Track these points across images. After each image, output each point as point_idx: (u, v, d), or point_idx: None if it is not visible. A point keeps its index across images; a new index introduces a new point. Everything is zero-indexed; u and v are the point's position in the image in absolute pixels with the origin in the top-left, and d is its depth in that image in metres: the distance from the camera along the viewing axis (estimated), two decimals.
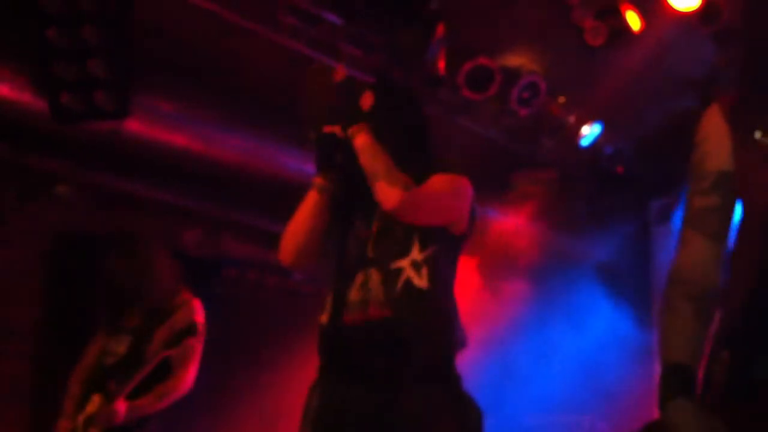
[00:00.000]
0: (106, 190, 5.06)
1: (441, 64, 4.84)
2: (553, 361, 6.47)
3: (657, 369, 1.89)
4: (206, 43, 4.62)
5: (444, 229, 2.61)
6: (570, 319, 6.42)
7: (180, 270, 4.12)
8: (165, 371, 3.82)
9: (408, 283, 2.51)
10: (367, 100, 2.71)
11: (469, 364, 2.68)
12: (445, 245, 2.61)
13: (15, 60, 4.16)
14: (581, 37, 4.94)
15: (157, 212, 5.25)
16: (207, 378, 4.05)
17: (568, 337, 6.41)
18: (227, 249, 5.85)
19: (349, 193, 2.60)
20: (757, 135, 1.82)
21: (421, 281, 2.52)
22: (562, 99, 5.76)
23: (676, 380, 1.80)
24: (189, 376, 3.89)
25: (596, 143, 6.07)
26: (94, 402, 3.73)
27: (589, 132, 5.97)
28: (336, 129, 2.55)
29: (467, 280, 6.14)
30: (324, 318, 2.57)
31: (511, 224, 6.29)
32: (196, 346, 3.92)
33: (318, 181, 2.64)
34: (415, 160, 2.63)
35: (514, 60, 5.33)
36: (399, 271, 2.53)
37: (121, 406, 3.67)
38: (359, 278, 2.55)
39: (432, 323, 2.52)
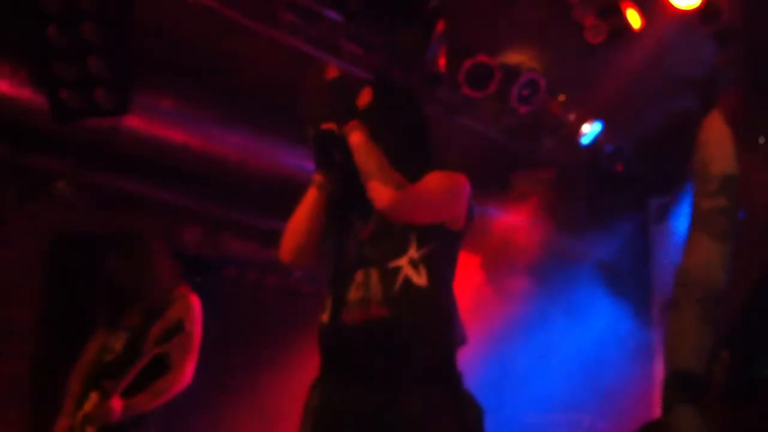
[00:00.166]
0: (106, 189, 5.05)
1: (441, 62, 4.84)
2: (553, 360, 6.47)
3: (657, 368, 1.89)
4: (206, 41, 4.62)
5: (441, 227, 2.60)
6: (570, 317, 6.42)
7: (179, 268, 4.12)
8: (162, 368, 3.81)
9: (407, 281, 2.51)
10: (365, 98, 2.71)
11: (469, 362, 2.68)
12: (443, 242, 2.61)
13: (14, 58, 4.15)
14: (581, 36, 4.93)
15: (157, 212, 5.25)
16: (206, 377, 4.05)
17: (567, 336, 6.41)
18: (227, 248, 5.84)
19: (348, 191, 2.59)
20: (761, 140, 1.83)
21: (420, 279, 2.51)
22: (562, 97, 5.76)
23: (681, 386, 1.80)
24: (186, 373, 3.87)
25: (596, 142, 6.07)
26: (92, 400, 3.72)
27: (590, 130, 5.97)
28: (334, 126, 2.54)
29: (468, 278, 6.14)
30: (324, 318, 2.57)
31: (512, 223, 6.29)
32: (193, 342, 3.90)
33: (317, 178, 2.63)
34: (414, 160, 2.62)
35: (514, 58, 5.33)
36: (397, 269, 2.52)
37: (116, 404, 3.65)
38: (358, 278, 2.54)
39: (431, 321, 2.52)
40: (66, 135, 4.43)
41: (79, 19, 3.96)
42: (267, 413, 5.89)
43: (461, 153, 3.07)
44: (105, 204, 5.17)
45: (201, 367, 3.95)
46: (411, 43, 4.63)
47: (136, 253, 4.04)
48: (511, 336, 6.38)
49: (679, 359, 1.83)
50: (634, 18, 4.88)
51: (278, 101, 4.85)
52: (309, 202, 2.63)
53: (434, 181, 2.58)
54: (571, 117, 5.88)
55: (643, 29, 4.90)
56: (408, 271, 2.52)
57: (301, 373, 2.99)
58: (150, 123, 4.58)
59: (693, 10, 4.67)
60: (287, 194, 2.72)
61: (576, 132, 5.94)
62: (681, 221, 5.71)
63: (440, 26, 4.66)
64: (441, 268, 2.58)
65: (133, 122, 4.48)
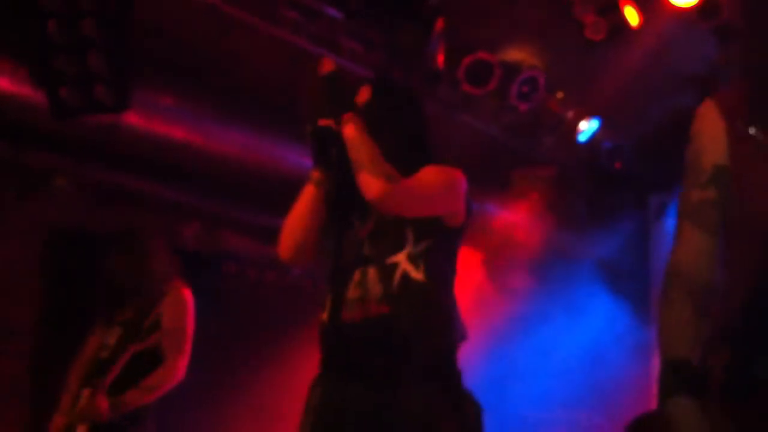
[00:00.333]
0: (106, 187, 5.05)
1: (440, 59, 4.84)
2: (552, 357, 6.47)
3: (656, 366, 1.88)
4: (205, 39, 4.62)
5: (439, 222, 2.59)
6: (569, 315, 6.42)
7: (178, 264, 4.10)
8: (154, 363, 3.76)
9: (405, 276, 2.50)
10: (363, 95, 2.70)
11: (468, 359, 2.68)
12: (442, 238, 2.59)
13: (14, 55, 4.15)
14: (581, 33, 4.93)
15: (157, 209, 5.24)
16: (206, 374, 4.04)
17: (567, 334, 6.41)
18: (226, 245, 5.84)
19: (346, 189, 2.56)
20: (752, 131, 1.82)
21: (418, 274, 2.50)
22: (560, 95, 5.76)
23: (676, 377, 1.79)
24: (177, 368, 3.80)
25: (595, 139, 6.07)
26: (84, 397, 3.68)
27: (587, 127, 5.97)
28: (331, 122, 2.52)
29: (468, 275, 6.14)
30: (324, 317, 2.57)
31: (512, 220, 6.29)
32: (185, 337, 3.84)
33: (314, 175, 2.62)
34: (414, 160, 2.60)
35: (514, 55, 5.33)
36: (395, 265, 2.52)
37: (101, 402, 3.60)
38: (356, 276, 2.54)
39: (431, 317, 2.51)
40: (65, 132, 4.42)
41: (79, 16, 3.96)
42: (266, 411, 5.88)
43: (461, 150, 3.06)
44: (105, 201, 5.16)
45: (200, 365, 3.94)
46: (411, 43, 4.63)
47: (136, 249, 4.02)
48: (510, 333, 6.38)
49: (674, 350, 1.82)
50: (632, 15, 4.89)
51: (278, 99, 4.85)
52: (306, 200, 2.62)
53: (428, 174, 2.56)
54: (570, 114, 5.88)
55: (642, 26, 4.91)
56: (406, 266, 2.51)
57: (300, 371, 2.99)
58: (150, 120, 4.58)
59: (692, 6, 4.67)
60: (287, 191, 2.72)
61: (574, 129, 5.94)
62: None
63: (439, 24, 4.67)
64: (440, 263, 2.57)
65: (133, 119, 4.48)
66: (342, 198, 2.61)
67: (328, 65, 2.60)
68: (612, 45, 4.97)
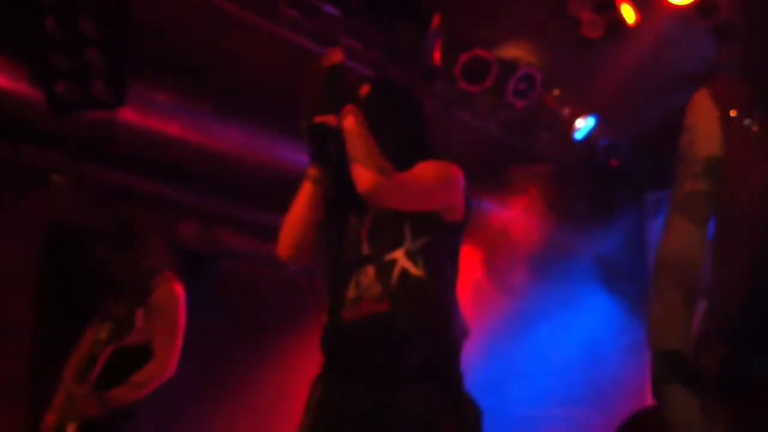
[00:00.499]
0: (103, 184, 5.04)
1: (437, 56, 4.84)
2: (550, 354, 6.48)
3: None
4: (205, 36, 4.61)
5: (437, 218, 2.57)
6: (566, 312, 6.43)
7: (177, 262, 4.09)
8: (145, 359, 3.73)
9: (404, 272, 2.49)
10: (364, 93, 2.70)
11: (465, 357, 2.68)
12: (440, 234, 2.58)
13: (12, 52, 4.14)
14: (578, 31, 4.94)
15: (154, 206, 5.23)
16: (204, 373, 4.04)
17: (565, 331, 6.41)
18: (225, 242, 5.84)
19: (344, 188, 2.54)
20: (747, 121, 1.82)
21: (417, 270, 2.49)
22: (557, 92, 5.77)
23: (670, 367, 1.79)
24: (168, 363, 3.75)
25: (591, 136, 6.07)
26: (74, 393, 3.66)
27: (583, 125, 5.97)
28: (329, 119, 2.51)
29: (467, 272, 6.14)
30: (325, 317, 2.57)
31: (510, 217, 6.29)
32: (176, 331, 3.80)
33: (312, 172, 2.61)
34: (414, 160, 2.59)
35: (511, 52, 5.33)
36: (393, 262, 2.50)
37: (90, 399, 3.58)
38: (356, 275, 2.53)
39: (430, 313, 2.50)
40: (62, 129, 4.41)
41: (76, 12, 3.95)
42: (265, 409, 5.88)
43: (457, 147, 3.06)
44: (102, 199, 5.15)
45: (198, 363, 3.93)
46: (410, 41, 4.63)
47: (131, 246, 3.99)
48: (508, 330, 6.38)
49: (663, 341, 1.82)
50: (628, 13, 4.89)
51: (277, 97, 4.85)
52: (304, 197, 2.61)
53: (423, 168, 2.55)
54: (566, 112, 5.89)
55: (640, 24, 4.91)
56: (404, 262, 2.50)
57: (300, 369, 2.99)
58: (147, 117, 4.57)
59: (690, 4, 4.67)
60: (286, 189, 2.71)
61: (571, 127, 5.95)
62: None
63: (436, 20, 4.67)
64: (439, 260, 2.56)
65: (130, 116, 4.47)
66: (340, 195, 2.59)
67: (337, 56, 2.58)
68: (609, 42, 4.96)
